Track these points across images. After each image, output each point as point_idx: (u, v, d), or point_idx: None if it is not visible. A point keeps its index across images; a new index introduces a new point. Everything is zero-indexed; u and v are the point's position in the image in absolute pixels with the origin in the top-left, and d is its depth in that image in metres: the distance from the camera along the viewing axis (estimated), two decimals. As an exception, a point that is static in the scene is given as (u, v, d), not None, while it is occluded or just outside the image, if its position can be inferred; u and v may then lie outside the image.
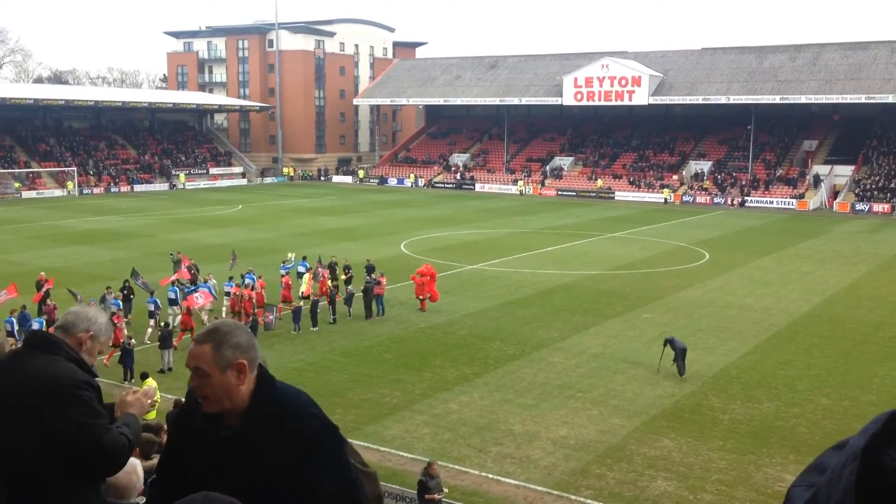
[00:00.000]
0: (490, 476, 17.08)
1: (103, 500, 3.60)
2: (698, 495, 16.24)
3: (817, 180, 73.79)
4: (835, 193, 73.06)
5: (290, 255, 36.32)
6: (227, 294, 29.67)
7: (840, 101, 74.25)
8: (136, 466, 4.17)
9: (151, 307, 27.62)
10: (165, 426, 12.17)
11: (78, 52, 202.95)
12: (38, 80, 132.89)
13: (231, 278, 31.07)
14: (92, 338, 3.53)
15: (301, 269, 34.16)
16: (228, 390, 2.89)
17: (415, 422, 20.02)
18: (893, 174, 72.21)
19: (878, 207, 68.34)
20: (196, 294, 27.86)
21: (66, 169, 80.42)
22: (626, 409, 20.86)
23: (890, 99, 71.06)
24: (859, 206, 69.18)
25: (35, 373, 3.28)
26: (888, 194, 69.87)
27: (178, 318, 27.35)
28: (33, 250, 43.65)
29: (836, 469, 1.39)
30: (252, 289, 29.42)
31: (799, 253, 45.93)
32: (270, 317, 28.23)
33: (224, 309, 29.27)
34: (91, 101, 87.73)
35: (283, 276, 32.20)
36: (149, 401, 3.79)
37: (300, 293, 31.31)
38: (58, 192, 77.53)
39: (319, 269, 33.39)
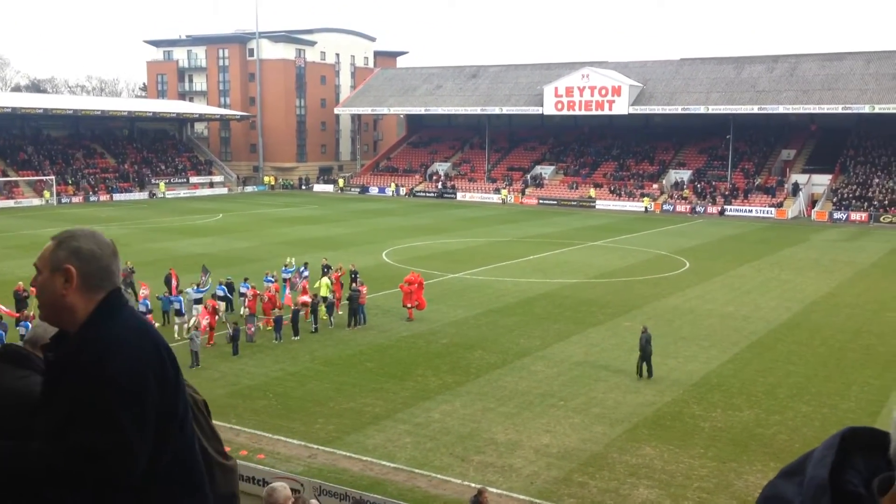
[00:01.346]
0: (472, 485, 17.03)
1: None
2: (680, 503, 16.29)
3: (796, 189, 74.51)
4: (813, 202, 73.78)
5: (289, 259, 36.45)
6: (243, 295, 30.93)
7: (817, 111, 75.14)
8: None
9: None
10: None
11: (57, 61, 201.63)
12: (17, 89, 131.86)
13: (246, 279, 31.83)
14: None
15: (306, 273, 34.34)
16: (53, 296, 2.71)
17: (397, 431, 19.97)
18: (870, 183, 73.05)
19: (856, 216, 69.07)
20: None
21: (44, 178, 79.75)
22: (608, 418, 20.91)
23: (866, 109, 71.98)
24: (837, 215, 69.89)
25: (7, 389, 3.20)
26: (865, 203, 70.64)
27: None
28: (11, 260, 43.19)
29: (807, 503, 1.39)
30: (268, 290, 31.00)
31: (778, 261, 46.31)
32: (252, 328, 28.09)
33: (244, 311, 30.26)
34: (70, 109, 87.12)
35: (285, 279, 33.11)
36: None
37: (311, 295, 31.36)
38: (36, 202, 76.84)
39: (298, 280, 33.31)
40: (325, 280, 31.86)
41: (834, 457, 1.39)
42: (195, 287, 30.42)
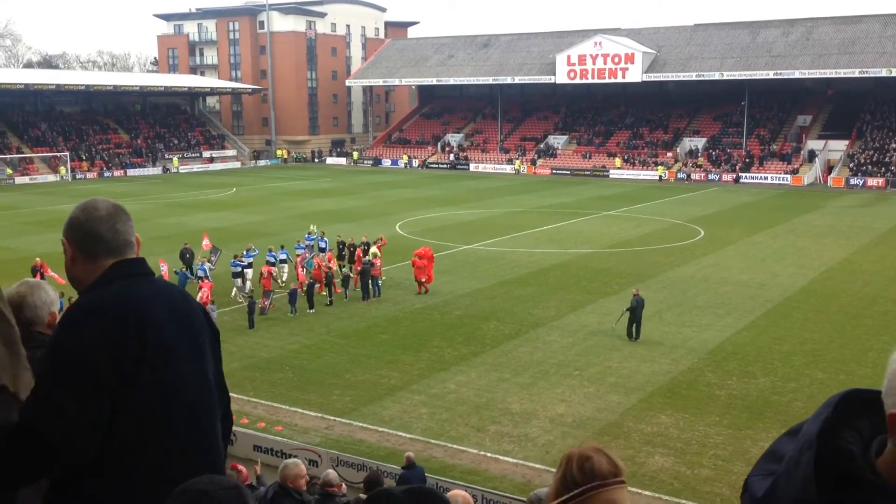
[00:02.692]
0: (488, 455, 17.17)
1: None
2: (695, 470, 16.36)
3: (812, 156, 73.82)
4: (829, 168, 73.10)
5: (312, 227, 36.85)
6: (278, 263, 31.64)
7: (833, 75, 74.12)
8: None
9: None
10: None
11: (68, 36, 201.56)
12: (29, 65, 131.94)
13: (299, 242, 33.09)
14: (54, 315, 3.45)
15: (322, 244, 34.62)
16: (66, 269, 2.84)
17: (413, 402, 20.10)
18: (887, 148, 72.25)
19: (872, 182, 68.42)
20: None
21: (58, 154, 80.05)
22: (623, 387, 20.96)
23: (883, 73, 70.95)
24: (853, 181, 69.24)
25: None
26: (882, 168, 69.93)
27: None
28: (27, 236, 43.52)
29: (793, 456, 1.40)
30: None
31: (794, 228, 46.01)
32: (266, 302, 28.21)
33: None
34: (82, 85, 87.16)
35: (308, 246, 33.53)
36: None
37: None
38: (51, 178, 77.22)
39: (308, 255, 33.40)
40: (374, 249, 31.90)
41: (830, 415, 1.39)
42: (204, 265, 30.58)
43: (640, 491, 15.54)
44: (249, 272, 31.03)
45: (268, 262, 31.12)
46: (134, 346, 2.57)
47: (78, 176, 78.59)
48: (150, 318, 2.63)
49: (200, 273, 29.55)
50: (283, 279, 31.95)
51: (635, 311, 24.74)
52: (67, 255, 2.79)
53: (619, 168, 78.74)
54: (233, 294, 30.27)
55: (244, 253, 32.02)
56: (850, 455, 1.33)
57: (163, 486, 2.34)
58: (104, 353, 2.52)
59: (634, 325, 24.80)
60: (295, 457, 13.39)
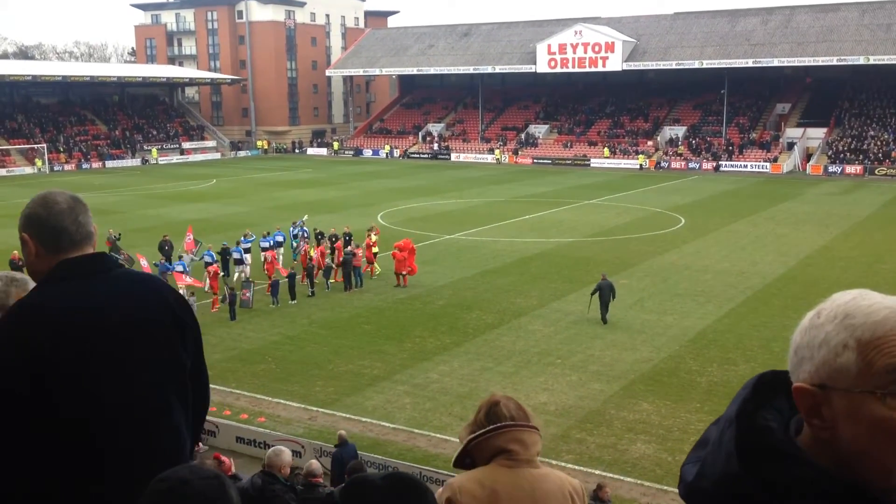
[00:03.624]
0: (472, 444, 17.18)
1: None
2: (677, 457, 16.47)
3: (791, 145, 74.32)
4: (808, 156, 73.65)
5: (306, 217, 37.70)
6: (238, 262, 31.39)
7: (812, 63, 74.58)
8: None
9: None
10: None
11: (44, 27, 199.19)
12: (4, 56, 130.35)
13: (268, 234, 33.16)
14: None
15: (303, 234, 34.81)
16: (26, 263, 2.71)
17: (396, 392, 20.10)
18: (865, 136, 72.86)
19: (851, 169, 69.02)
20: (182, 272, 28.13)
21: (35, 146, 79.20)
22: (605, 375, 21.06)
23: (861, 61, 71.49)
24: (832, 168, 69.81)
25: None
26: (860, 156, 70.55)
27: None
28: (3, 229, 43.05)
29: (716, 438, 1.45)
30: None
31: (773, 216, 46.34)
32: (248, 294, 28.08)
33: (240, 275, 30.55)
34: (59, 76, 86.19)
35: (294, 235, 34.08)
36: None
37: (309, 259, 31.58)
38: (28, 170, 76.42)
39: (302, 244, 33.38)
40: (374, 237, 32.58)
41: (747, 395, 1.46)
42: (186, 257, 30.49)
43: (622, 478, 15.65)
44: (249, 257, 31.53)
45: (263, 249, 31.68)
46: (55, 355, 2.41)
47: (56, 168, 77.82)
48: (84, 325, 2.45)
49: (179, 268, 29.34)
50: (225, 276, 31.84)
51: (602, 294, 25.19)
52: (30, 251, 2.64)
53: (606, 157, 78.85)
54: (235, 278, 30.33)
55: (242, 239, 32.48)
56: (769, 431, 1.39)
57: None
58: (22, 364, 2.37)
59: (603, 308, 25.28)
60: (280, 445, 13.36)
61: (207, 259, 30.01)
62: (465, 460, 2.49)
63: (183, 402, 2.71)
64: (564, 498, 2.48)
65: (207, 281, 28.64)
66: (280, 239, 33.87)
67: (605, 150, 79.77)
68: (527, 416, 2.47)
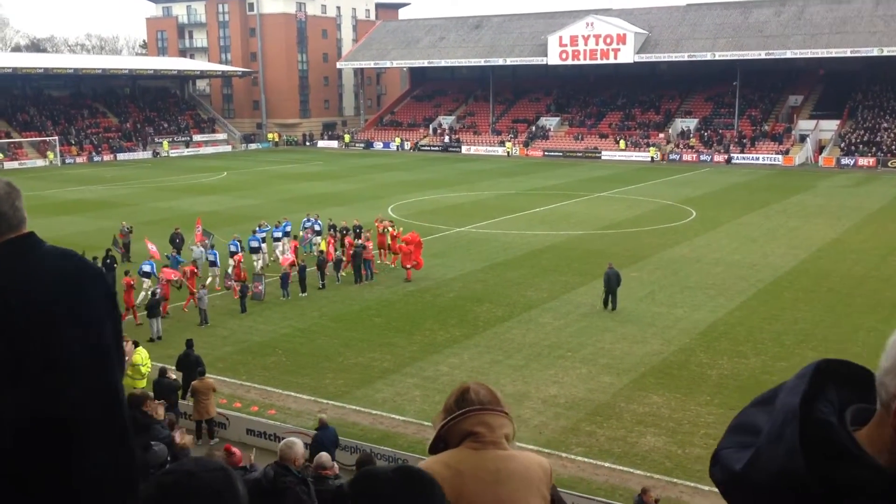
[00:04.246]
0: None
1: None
2: (687, 449, 16.46)
3: (803, 138, 73.89)
4: (820, 148, 73.21)
5: (316, 214, 37.81)
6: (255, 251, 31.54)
7: (825, 55, 74.08)
8: None
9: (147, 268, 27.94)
10: (156, 401, 12.22)
11: (56, 20, 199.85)
12: (17, 49, 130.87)
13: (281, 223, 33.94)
14: None
15: (317, 227, 35.02)
16: None
17: (405, 385, 20.14)
18: (878, 128, 72.36)
19: (863, 161, 68.57)
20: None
21: (47, 138, 79.53)
22: (615, 368, 21.04)
23: (874, 52, 70.96)
24: (844, 161, 69.39)
25: None
26: (873, 148, 70.08)
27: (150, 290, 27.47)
28: (17, 222, 43.28)
29: (774, 429, 1.41)
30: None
31: (785, 209, 46.12)
32: (260, 287, 28.14)
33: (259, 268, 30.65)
34: (71, 68, 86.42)
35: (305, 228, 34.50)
36: (126, 358, 3.71)
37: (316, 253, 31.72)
38: (40, 162, 76.78)
39: (308, 235, 33.51)
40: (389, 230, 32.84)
41: (806, 386, 1.41)
42: (196, 249, 30.69)
43: (632, 470, 15.64)
44: (265, 247, 32.11)
45: (275, 239, 32.61)
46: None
47: (67, 160, 78.14)
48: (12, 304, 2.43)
49: (211, 257, 29.99)
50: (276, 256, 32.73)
51: (609, 283, 25.73)
52: None
53: (621, 150, 78.54)
54: (259, 268, 30.56)
55: (258, 228, 33.19)
56: (831, 427, 1.36)
57: None
58: None
59: (610, 297, 25.82)
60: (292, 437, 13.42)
61: (232, 249, 30.01)
62: (439, 445, 2.57)
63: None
64: (529, 477, 2.52)
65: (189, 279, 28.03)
66: (289, 230, 34.17)
67: (622, 142, 79.44)
68: (497, 401, 2.57)
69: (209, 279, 29.23)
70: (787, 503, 1.36)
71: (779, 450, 1.37)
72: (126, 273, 26.40)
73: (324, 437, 14.60)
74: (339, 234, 33.41)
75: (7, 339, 2.42)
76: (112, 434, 2.50)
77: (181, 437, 11.29)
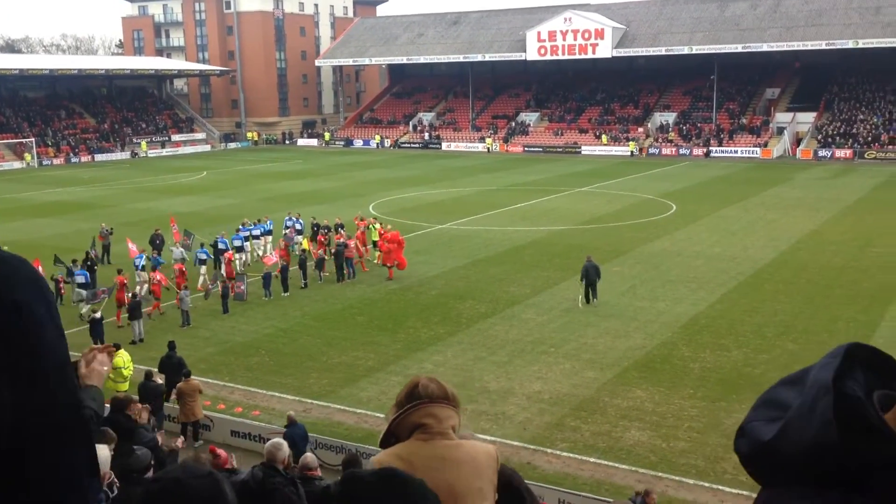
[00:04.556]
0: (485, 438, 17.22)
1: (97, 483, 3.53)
2: (671, 443, 16.56)
3: (781, 129, 74.44)
4: (797, 141, 73.79)
5: (297, 213, 37.66)
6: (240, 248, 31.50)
7: (801, 48, 74.63)
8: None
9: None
10: (135, 399, 12.12)
11: (31, 20, 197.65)
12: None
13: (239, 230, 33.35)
14: None
15: (298, 226, 34.76)
16: None
17: (390, 383, 20.12)
18: (854, 120, 73.03)
19: (840, 153, 69.18)
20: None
21: (23, 140, 78.72)
22: (599, 362, 21.13)
23: (850, 45, 71.55)
24: (822, 153, 69.98)
25: None
26: (849, 140, 70.71)
27: (146, 286, 27.29)
28: (-6, 225, 42.84)
29: (807, 402, 1.44)
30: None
31: (764, 201, 46.46)
32: (242, 287, 28.00)
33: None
34: (46, 69, 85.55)
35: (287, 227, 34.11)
36: (105, 368, 3.68)
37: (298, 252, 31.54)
38: (16, 164, 76.00)
39: (292, 235, 33.35)
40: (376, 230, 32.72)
41: (839, 364, 1.43)
42: (177, 251, 30.53)
43: (616, 465, 15.72)
44: (248, 245, 32.30)
45: (254, 237, 32.75)
46: None
47: (45, 162, 77.39)
48: None
49: (203, 255, 30.05)
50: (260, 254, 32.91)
51: (588, 275, 26.00)
52: None
53: (604, 145, 78.70)
54: (240, 267, 30.49)
55: (241, 227, 33.33)
56: (863, 403, 1.39)
57: None
58: None
59: (590, 290, 26.12)
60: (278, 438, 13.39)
61: (202, 256, 29.93)
62: (391, 440, 2.70)
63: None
64: (476, 464, 2.64)
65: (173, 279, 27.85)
66: (270, 228, 34.44)
67: (604, 137, 79.52)
68: (446, 394, 2.67)
69: (200, 279, 29.13)
70: (813, 475, 1.39)
71: (811, 422, 1.40)
72: (119, 272, 26.24)
73: (293, 434, 14.72)
74: (320, 232, 33.34)
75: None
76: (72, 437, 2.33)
77: (172, 442, 11.23)
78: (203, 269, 29.84)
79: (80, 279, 26.66)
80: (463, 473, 2.61)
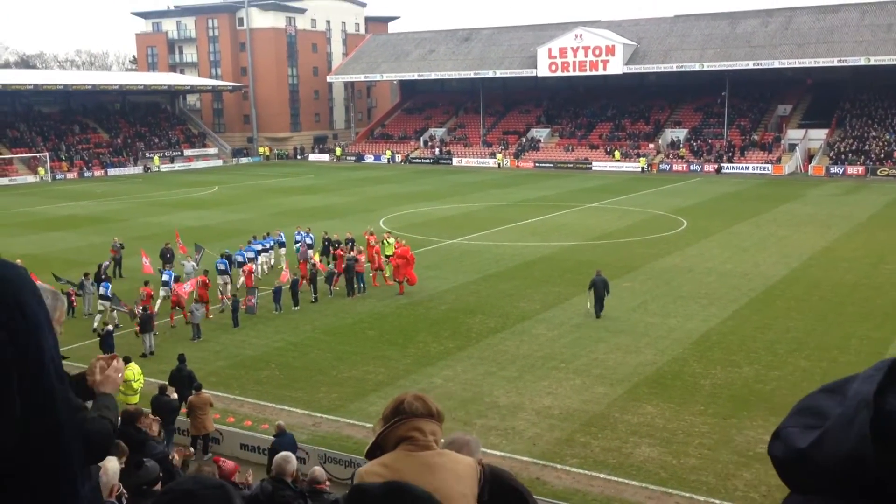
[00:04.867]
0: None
1: (94, 483, 3.54)
2: (681, 459, 16.45)
3: (793, 146, 74.30)
4: (809, 157, 73.60)
5: (308, 227, 37.84)
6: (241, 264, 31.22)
7: (813, 65, 74.61)
8: (105, 464, 4.07)
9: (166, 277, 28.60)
10: (145, 411, 12.16)
11: (45, 36, 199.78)
12: (6, 65, 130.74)
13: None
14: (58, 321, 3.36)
15: (309, 240, 34.69)
16: None
17: (399, 397, 20.06)
18: (866, 137, 72.81)
19: (853, 170, 68.96)
20: (184, 283, 27.98)
21: (37, 154, 79.35)
22: (609, 378, 21.04)
23: (862, 61, 71.49)
24: (834, 170, 69.77)
25: None
26: (862, 157, 70.49)
27: (158, 301, 27.42)
28: (7, 238, 43.13)
29: (847, 414, 1.42)
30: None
31: (775, 218, 46.31)
32: (253, 300, 28.05)
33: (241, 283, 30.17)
34: (61, 85, 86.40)
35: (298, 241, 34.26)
36: (119, 375, 3.70)
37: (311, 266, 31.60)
38: (30, 179, 76.55)
39: (304, 249, 33.45)
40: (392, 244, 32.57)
41: (882, 378, 1.42)
42: (188, 264, 30.68)
43: (627, 481, 15.62)
44: (261, 258, 32.68)
45: (258, 253, 32.70)
46: None
47: (58, 176, 77.94)
48: None
49: (222, 265, 30.21)
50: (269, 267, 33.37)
51: (597, 289, 26.24)
52: None
53: (617, 161, 78.67)
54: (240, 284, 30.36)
55: (253, 240, 33.87)
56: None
57: None
58: None
59: (598, 303, 26.28)
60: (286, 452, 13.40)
61: (221, 267, 29.94)
62: (376, 452, 2.83)
63: None
64: (458, 472, 2.78)
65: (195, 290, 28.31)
66: (283, 241, 34.84)
67: (616, 153, 79.52)
68: (431, 411, 2.82)
69: (226, 285, 29.33)
70: (845, 486, 1.38)
71: (849, 434, 1.39)
72: (146, 283, 26.77)
73: (282, 444, 14.86)
74: (331, 247, 33.40)
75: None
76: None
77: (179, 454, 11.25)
78: (220, 280, 29.97)
79: (102, 290, 26.94)
80: (448, 480, 2.74)
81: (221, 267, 29.98)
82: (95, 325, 25.75)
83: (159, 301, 27.42)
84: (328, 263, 32.06)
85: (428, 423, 2.81)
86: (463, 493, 2.77)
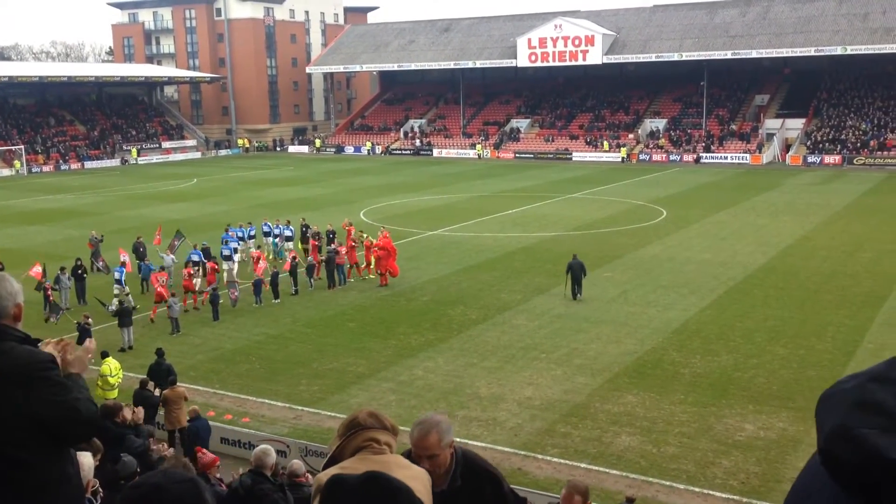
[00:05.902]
0: (457, 440, 17.14)
1: (76, 468, 3.52)
2: (662, 448, 16.56)
3: (770, 135, 74.79)
4: (787, 147, 74.13)
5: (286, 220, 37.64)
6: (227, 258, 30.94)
7: (790, 54, 75.08)
8: (80, 459, 4.03)
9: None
10: (125, 405, 12.07)
11: (20, 27, 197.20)
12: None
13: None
14: (19, 306, 3.37)
15: (288, 232, 34.85)
16: None
17: (381, 389, 20.09)
18: (843, 126, 73.40)
19: (829, 159, 69.53)
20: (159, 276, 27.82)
21: (12, 147, 78.41)
22: (590, 368, 21.13)
23: (838, 51, 72.02)
24: (811, 159, 70.32)
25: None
26: (838, 146, 71.07)
27: (130, 296, 27.25)
28: (-17, 232, 42.63)
29: None
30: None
31: (754, 207, 46.63)
32: (236, 293, 27.90)
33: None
34: (36, 76, 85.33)
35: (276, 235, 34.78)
36: (89, 356, 3.66)
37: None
38: (6, 172, 75.67)
39: (280, 242, 33.37)
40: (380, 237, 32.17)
41: None
42: (167, 258, 30.50)
43: (607, 470, 15.71)
44: (237, 255, 31.95)
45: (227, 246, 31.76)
46: None
47: (34, 169, 77.10)
48: None
49: (227, 250, 30.57)
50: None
51: (573, 272, 27.01)
52: None
53: (605, 151, 78.68)
54: (226, 279, 29.65)
55: (235, 230, 33.72)
56: None
57: None
58: None
59: (575, 286, 27.02)
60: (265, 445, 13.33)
61: (195, 258, 29.75)
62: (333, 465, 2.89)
63: None
64: (413, 471, 2.86)
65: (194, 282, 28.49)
66: (253, 234, 34.95)
67: (605, 143, 79.46)
68: (384, 424, 2.92)
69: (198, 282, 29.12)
70: None
71: None
72: (161, 268, 28.15)
73: (199, 427, 15.50)
74: (312, 237, 33.24)
75: None
76: None
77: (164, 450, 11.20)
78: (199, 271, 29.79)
79: (116, 275, 28.19)
80: (406, 479, 2.74)
81: (195, 258, 29.72)
82: (113, 307, 25.19)
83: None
84: (312, 254, 31.80)
85: (383, 434, 2.89)
86: (419, 490, 2.77)
